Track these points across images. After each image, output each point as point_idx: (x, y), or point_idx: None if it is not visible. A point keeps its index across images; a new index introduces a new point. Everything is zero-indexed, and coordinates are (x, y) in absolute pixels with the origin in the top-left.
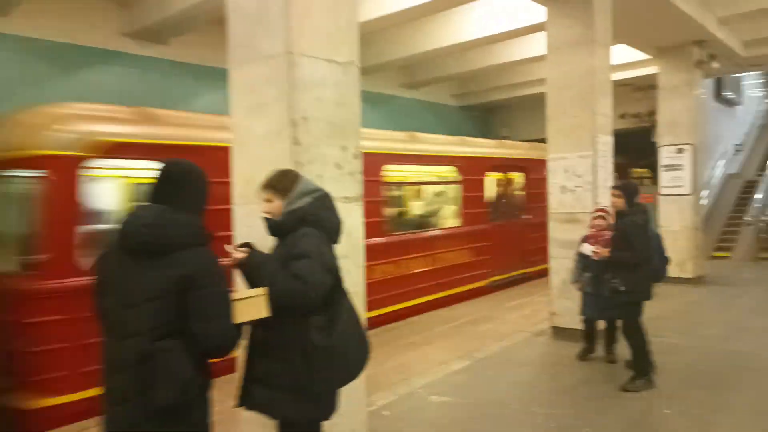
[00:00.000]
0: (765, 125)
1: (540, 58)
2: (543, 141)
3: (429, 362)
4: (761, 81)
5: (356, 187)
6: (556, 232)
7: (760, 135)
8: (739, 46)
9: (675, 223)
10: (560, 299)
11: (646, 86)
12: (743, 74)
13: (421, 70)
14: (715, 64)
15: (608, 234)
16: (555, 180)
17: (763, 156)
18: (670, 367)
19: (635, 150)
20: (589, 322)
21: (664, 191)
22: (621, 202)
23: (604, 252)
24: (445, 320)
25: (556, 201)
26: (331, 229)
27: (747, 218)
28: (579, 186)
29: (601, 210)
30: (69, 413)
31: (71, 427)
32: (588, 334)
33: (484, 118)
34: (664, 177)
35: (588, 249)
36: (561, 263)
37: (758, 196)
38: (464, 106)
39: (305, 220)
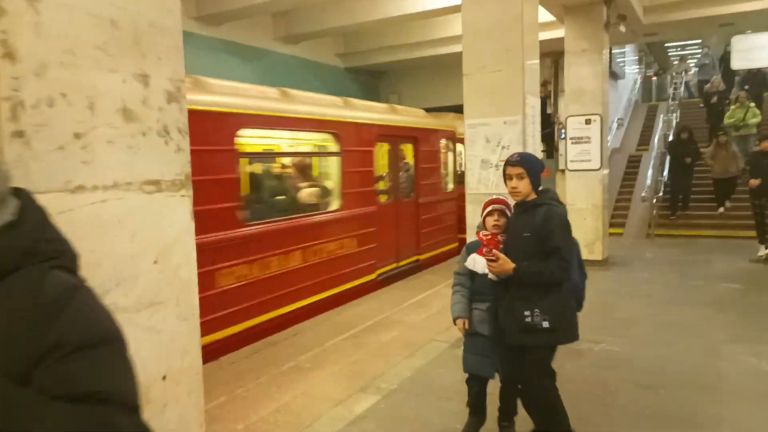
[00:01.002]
0: (639, 100)
1: (435, 13)
2: (435, 110)
3: (321, 401)
4: (636, 56)
5: (176, 160)
6: (476, 216)
7: (636, 110)
8: (641, 11)
9: (582, 200)
10: None
11: (542, 53)
12: (624, 47)
13: (298, 20)
14: (623, 28)
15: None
16: (474, 152)
17: (641, 131)
18: (624, 398)
19: None
20: (481, 382)
21: (571, 166)
22: (526, 186)
23: (506, 266)
24: (337, 329)
25: (475, 178)
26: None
27: (643, 194)
28: (504, 160)
29: (498, 201)
30: None
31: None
32: (478, 401)
33: (371, 83)
34: (571, 150)
35: (481, 264)
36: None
37: (649, 172)
38: (350, 68)
39: None
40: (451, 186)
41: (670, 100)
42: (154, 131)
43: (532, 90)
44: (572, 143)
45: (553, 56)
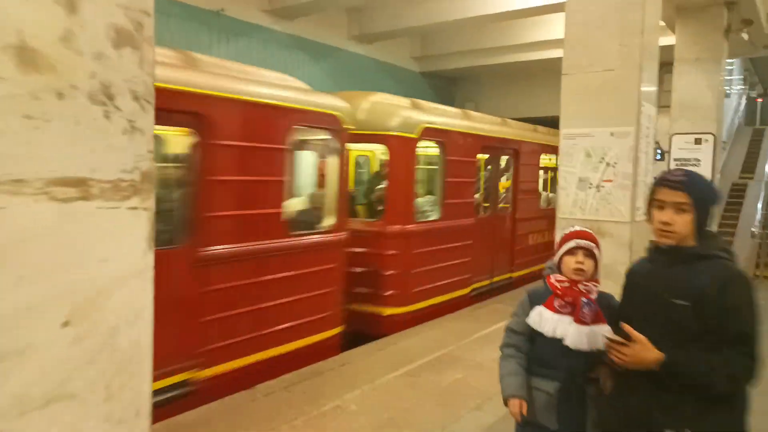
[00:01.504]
0: (743, 123)
1: (520, 14)
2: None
3: None
4: (741, 74)
5: (124, 147)
6: None
7: (739, 133)
8: (764, 17)
9: None
10: None
11: None
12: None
13: (374, 18)
14: (745, 35)
15: (593, 290)
16: (570, 168)
17: (744, 157)
18: None
19: None
20: None
21: None
22: (686, 224)
23: (646, 355)
24: (392, 361)
25: (570, 200)
26: None
27: (753, 230)
28: (608, 180)
29: (585, 235)
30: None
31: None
32: None
33: (447, 89)
34: None
35: (550, 324)
36: None
37: (759, 204)
38: (426, 72)
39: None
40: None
41: None
42: (83, 93)
43: (649, 96)
44: (677, 165)
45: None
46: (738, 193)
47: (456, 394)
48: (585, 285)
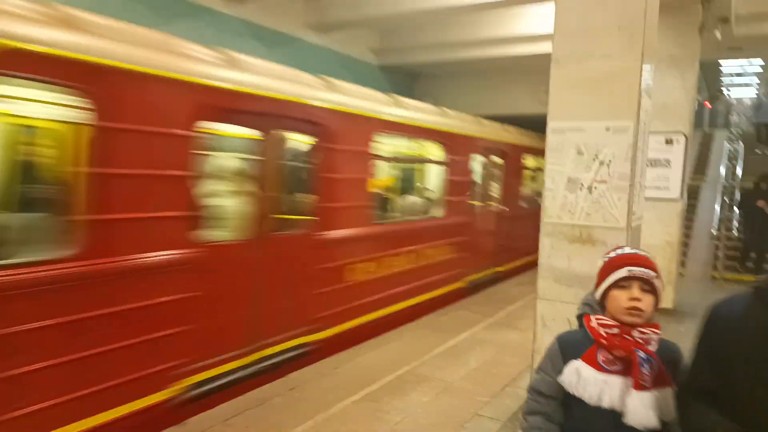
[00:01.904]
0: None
1: (483, 6)
2: None
3: None
4: None
5: None
6: (555, 256)
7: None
8: (733, 19)
9: (655, 236)
10: None
11: None
12: None
13: (332, 5)
14: (719, 34)
15: (653, 339)
16: (557, 166)
17: (695, 160)
18: None
19: None
20: None
21: (646, 193)
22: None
23: None
24: (349, 383)
25: (557, 203)
26: None
27: (713, 232)
28: (602, 180)
29: (640, 259)
30: None
31: None
32: None
33: (407, 84)
34: (647, 175)
35: (595, 387)
36: (558, 310)
37: (716, 207)
38: (385, 66)
39: None
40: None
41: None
42: None
43: (648, 88)
44: (649, 166)
45: None
46: (691, 194)
47: (424, 424)
48: (642, 332)
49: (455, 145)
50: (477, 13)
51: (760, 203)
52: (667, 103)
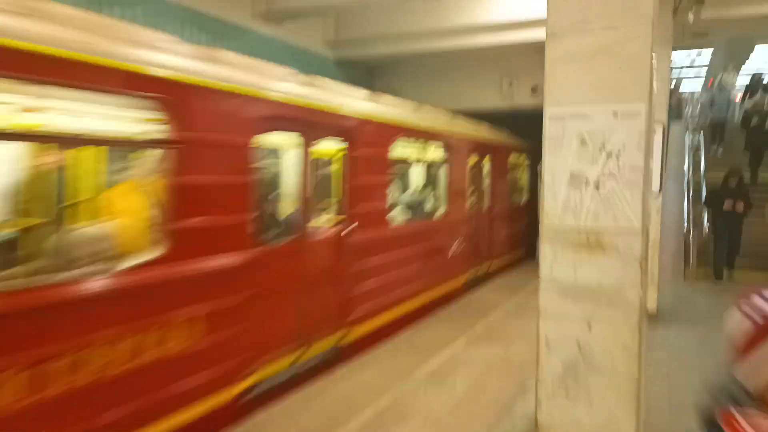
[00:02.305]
0: None
1: None
2: None
3: None
4: None
5: None
6: (559, 266)
7: None
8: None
9: None
10: (556, 400)
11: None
12: None
13: None
14: (692, 16)
15: None
16: (557, 159)
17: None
18: None
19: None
20: None
21: None
22: None
23: None
24: (319, 421)
25: (559, 202)
26: None
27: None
28: (612, 173)
29: None
30: None
31: None
32: None
33: (364, 79)
34: None
35: None
36: (564, 330)
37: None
38: (341, 59)
39: None
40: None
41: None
42: None
43: (662, 65)
44: None
45: None
46: None
47: None
48: None
49: None
50: (438, 0)
51: (726, 206)
52: None
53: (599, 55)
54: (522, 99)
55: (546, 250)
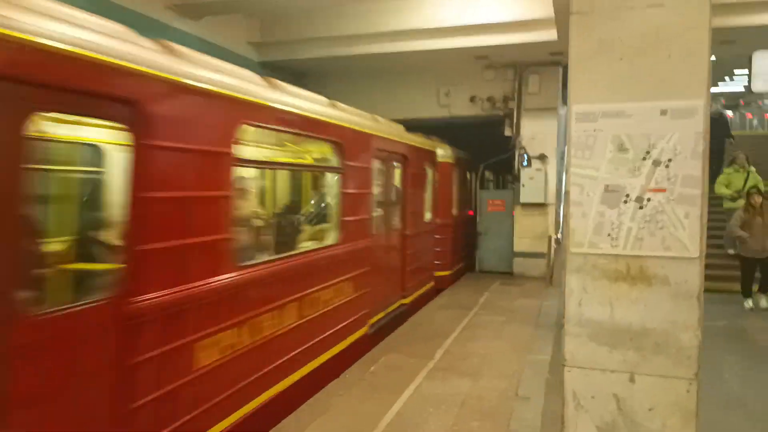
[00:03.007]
0: None
1: None
2: None
3: None
4: None
5: None
6: (590, 302)
7: None
8: None
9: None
10: None
11: (501, 64)
12: None
13: None
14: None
15: None
16: (586, 170)
17: None
18: None
19: (486, 145)
20: None
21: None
22: None
23: None
24: None
25: (590, 222)
26: None
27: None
28: (659, 189)
29: None
30: None
31: None
32: None
33: (293, 84)
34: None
35: None
36: (597, 384)
37: None
38: (268, 62)
39: None
40: (428, 216)
41: None
42: None
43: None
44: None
45: (516, 67)
46: None
47: None
48: None
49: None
50: (372, 2)
51: None
52: None
53: (642, 40)
54: (460, 109)
55: (572, 284)
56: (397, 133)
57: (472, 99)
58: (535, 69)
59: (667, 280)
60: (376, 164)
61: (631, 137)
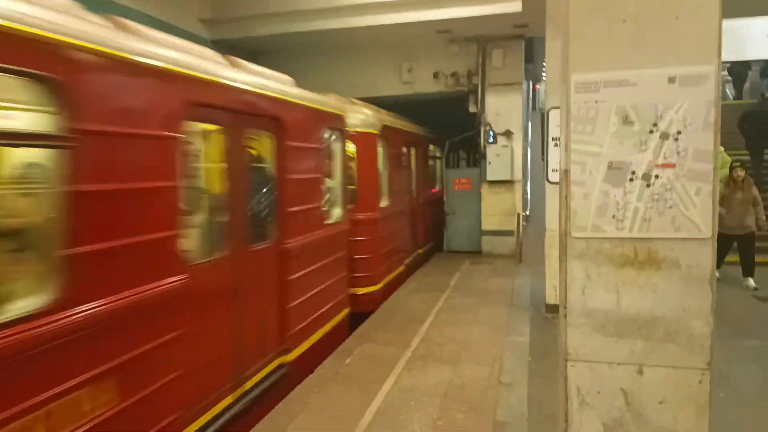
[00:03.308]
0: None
1: None
2: None
3: None
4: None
5: None
6: (594, 290)
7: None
8: None
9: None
10: None
11: (464, 38)
12: None
13: None
14: None
15: None
16: (588, 146)
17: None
18: None
19: (451, 123)
20: None
21: (552, 177)
22: None
23: None
24: None
25: (592, 204)
26: None
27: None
28: (669, 164)
29: None
30: None
31: None
32: None
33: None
34: (552, 155)
35: None
36: (603, 378)
37: None
38: (219, 41)
39: None
40: (338, 212)
41: None
42: None
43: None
44: (554, 145)
45: (479, 42)
46: None
47: None
48: None
49: None
50: None
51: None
52: None
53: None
54: (424, 85)
55: (574, 270)
56: (256, 82)
57: (436, 75)
58: (498, 43)
59: (678, 263)
60: (189, 130)
61: (637, 108)
